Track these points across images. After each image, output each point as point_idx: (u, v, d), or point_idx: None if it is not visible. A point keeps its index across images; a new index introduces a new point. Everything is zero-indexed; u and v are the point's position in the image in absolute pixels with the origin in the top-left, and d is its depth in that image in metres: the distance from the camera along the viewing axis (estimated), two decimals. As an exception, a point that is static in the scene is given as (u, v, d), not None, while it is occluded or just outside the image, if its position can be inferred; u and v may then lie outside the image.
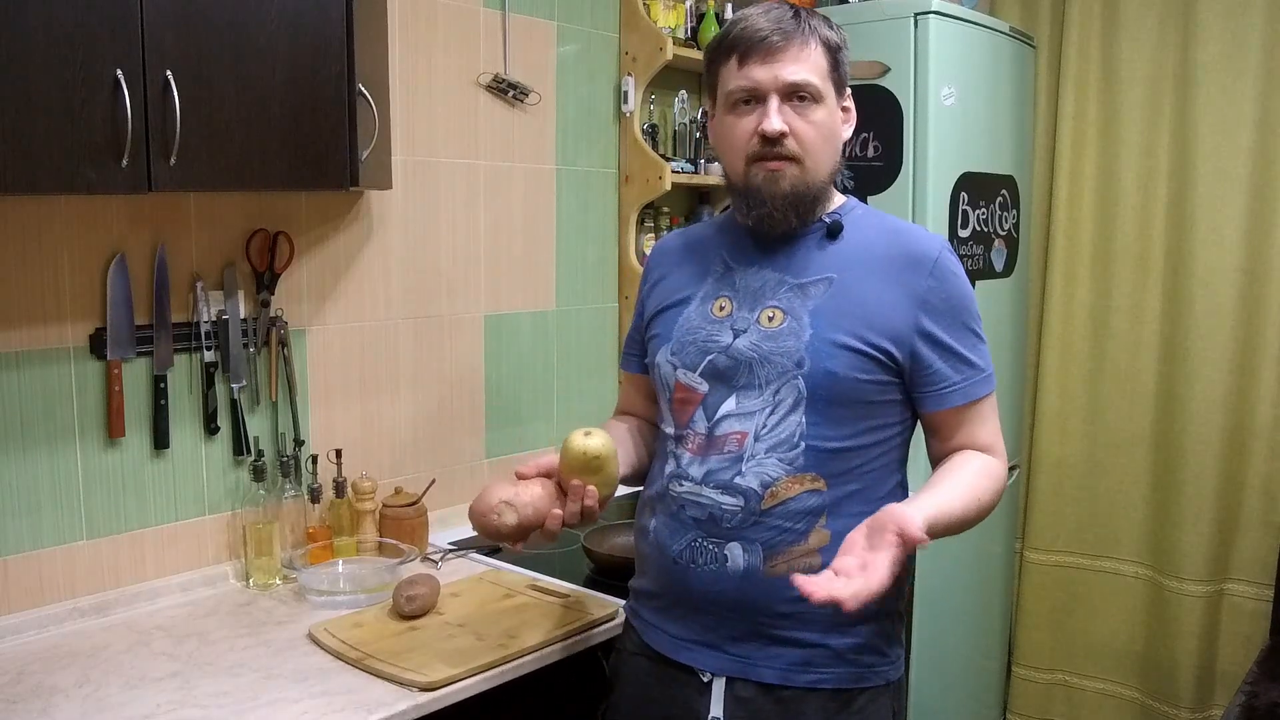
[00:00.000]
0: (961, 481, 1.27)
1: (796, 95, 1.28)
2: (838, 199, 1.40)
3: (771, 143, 1.28)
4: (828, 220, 1.36)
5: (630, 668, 1.44)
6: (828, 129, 1.32)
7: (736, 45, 1.30)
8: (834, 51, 1.32)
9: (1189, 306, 2.65)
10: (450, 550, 2.01)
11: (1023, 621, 3.00)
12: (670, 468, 1.36)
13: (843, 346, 1.27)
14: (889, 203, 2.36)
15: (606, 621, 1.63)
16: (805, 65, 1.28)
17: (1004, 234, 2.65)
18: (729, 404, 1.31)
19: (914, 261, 1.31)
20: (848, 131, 1.38)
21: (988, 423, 1.34)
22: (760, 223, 1.34)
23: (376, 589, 1.72)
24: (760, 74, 1.28)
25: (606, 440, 1.34)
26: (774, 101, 1.28)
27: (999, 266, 2.64)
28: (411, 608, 1.61)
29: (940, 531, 1.19)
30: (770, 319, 1.31)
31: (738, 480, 1.29)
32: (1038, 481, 2.93)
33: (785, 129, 1.28)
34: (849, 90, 1.37)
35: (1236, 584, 2.66)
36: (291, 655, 1.52)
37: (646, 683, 1.40)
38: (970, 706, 2.80)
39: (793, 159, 1.29)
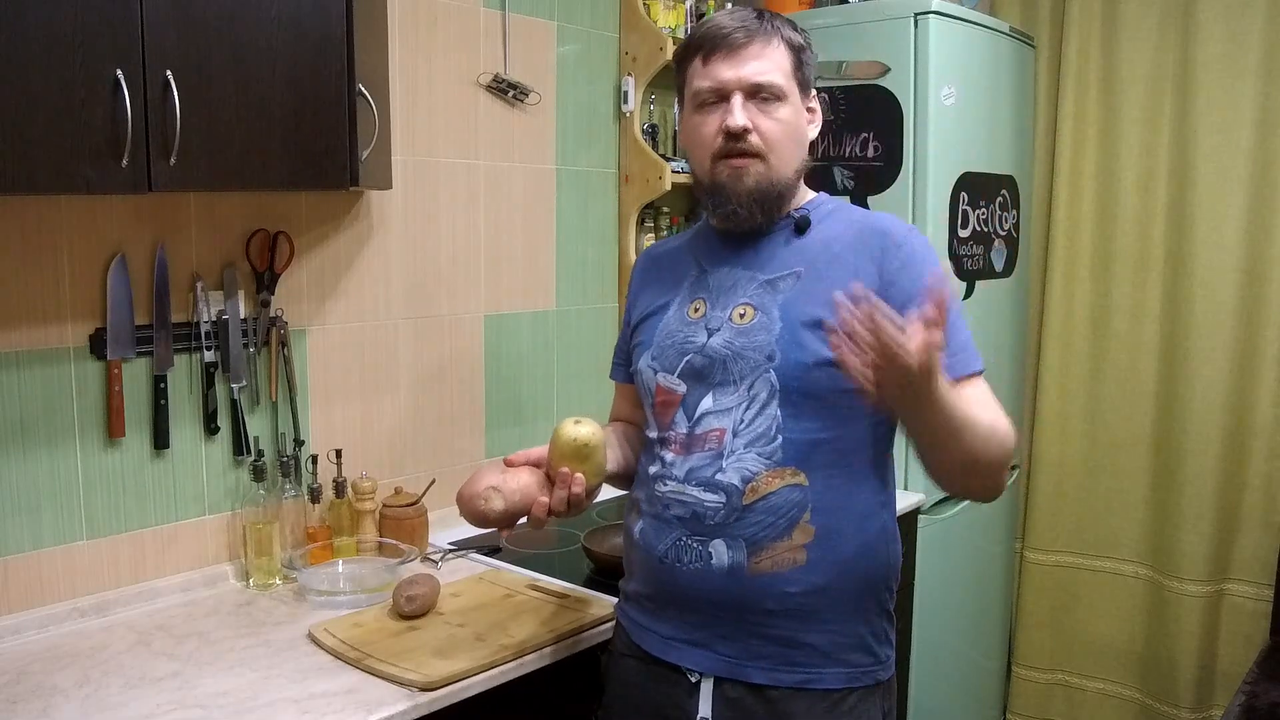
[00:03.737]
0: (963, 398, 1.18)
1: (760, 93, 1.30)
2: (807, 194, 1.42)
3: (735, 139, 1.30)
4: (795, 216, 1.37)
5: (620, 668, 1.44)
6: (792, 126, 1.33)
7: (701, 45, 1.33)
8: (797, 51, 1.33)
9: (1189, 306, 2.65)
10: (450, 550, 2.00)
11: (1023, 621, 3.00)
12: (655, 469, 1.36)
13: (813, 337, 1.27)
14: (889, 203, 2.36)
15: (606, 622, 1.63)
16: (768, 63, 1.30)
17: (1004, 234, 2.65)
18: (706, 402, 1.32)
19: (880, 242, 1.31)
20: (814, 131, 1.39)
21: (974, 404, 1.20)
22: (727, 220, 1.36)
23: (376, 589, 1.72)
24: (724, 72, 1.30)
25: (596, 429, 1.35)
26: (738, 99, 1.30)
27: (999, 266, 2.64)
28: (411, 608, 1.61)
29: (948, 399, 1.10)
30: (742, 315, 1.32)
31: (719, 477, 1.29)
32: (1038, 481, 2.93)
33: (749, 124, 1.29)
34: (814, 92, 1.39)
35: (1236, 584, 2.66)
36: (291, 655, 1.52)
37: (637, 683, 1.40)
38: (970, 706, 2.80)
39: (757, 155, 1.31)
